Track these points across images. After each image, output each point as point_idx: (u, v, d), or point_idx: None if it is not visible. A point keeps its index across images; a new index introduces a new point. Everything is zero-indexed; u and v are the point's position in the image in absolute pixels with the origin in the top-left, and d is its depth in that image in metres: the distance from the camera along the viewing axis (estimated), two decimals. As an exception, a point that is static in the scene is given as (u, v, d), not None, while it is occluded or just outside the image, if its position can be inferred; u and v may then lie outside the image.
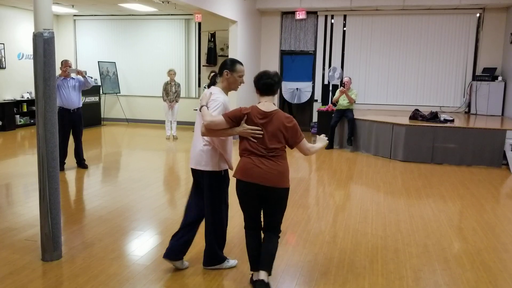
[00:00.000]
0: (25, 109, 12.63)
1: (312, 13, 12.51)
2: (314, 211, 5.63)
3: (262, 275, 3.41)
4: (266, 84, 3.43)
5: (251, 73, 11.86)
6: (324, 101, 12.07)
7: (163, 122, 11.90)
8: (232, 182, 3.66)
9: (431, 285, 3.75)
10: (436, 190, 6.81)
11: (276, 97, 13.05)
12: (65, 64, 7.42)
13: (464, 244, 4.67)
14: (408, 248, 4.52)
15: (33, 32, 3.83)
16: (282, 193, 3.40)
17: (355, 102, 10.18)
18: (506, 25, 11.32)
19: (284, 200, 3.45)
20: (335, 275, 3.88)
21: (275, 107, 3.45)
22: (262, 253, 3.47)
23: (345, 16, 12.41)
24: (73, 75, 7.50)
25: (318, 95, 12.71)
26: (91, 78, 8.08)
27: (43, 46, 3.81)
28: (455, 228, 5.17)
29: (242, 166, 3.41)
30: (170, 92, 11.02)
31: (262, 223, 3.59)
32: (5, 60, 12.32)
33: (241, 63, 3.75)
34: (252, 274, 3.62)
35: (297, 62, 12.90)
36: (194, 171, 3.79)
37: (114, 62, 13.96)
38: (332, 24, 12.54)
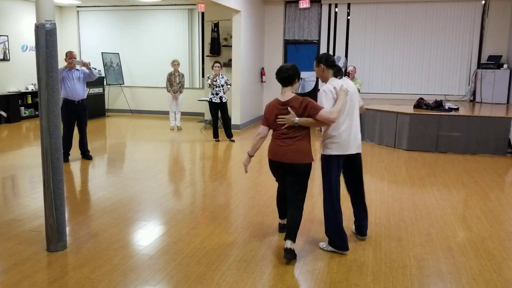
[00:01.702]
0: (29, 101, 12.67)
1: (315, 2, 12.43)
2: (319, 200, 5.64)
3: (288, 244, 3.94)
4: (282, 78, 4.04)
5: (255, 63, 11.88)
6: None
7: (167, 113, 11.90)
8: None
9: (434, 273, 3.75)
10: (440, 179, 6.80)
11: (281, 87, 12.99)
12: (69, 55, 7.42)
13: (468, 233, 4.67)
14: (411, 237, 4.53)
15: (35, 24, 3.84)
16: (301, 168, 3.96)
17: (359, 91, 10.12)
18: (511, 12, 11.20)
19: (305, 174, 4.00)
20: (338, 264, 3.90)
21: (292, 95, 4.00)
22: (286, 226, 4.08)
23: (349, 5, 12.32)
24: (77, 66, 7.51)
25: (321, 85, 12.62)
26: (95, 69, 8.07)
27: (45, 37, 3.81)
28: (459, 216, 5.16)
29: (270, 148, 4.11)
30: (174, 83, 11.01)
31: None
32: (9, 52, 12.34)
33: (318, 59, 4.22)
34: (279, 222, 4.58)
35: (301, 51, 12.85)
36: None
37: (118, 53, 13.94)
38: (336, 12, 12.46)
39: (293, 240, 3.95)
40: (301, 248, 4.21)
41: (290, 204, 4.06)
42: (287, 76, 4.01)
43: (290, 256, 3.89)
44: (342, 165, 4.19)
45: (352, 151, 4.17)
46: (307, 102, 3.93)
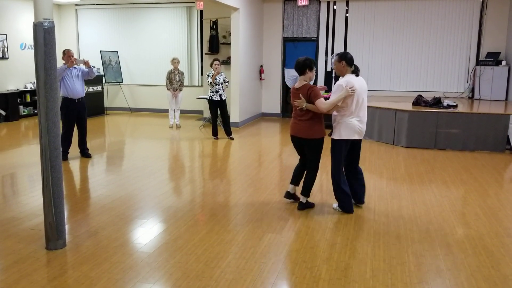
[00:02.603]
0: (28, 99, 12.66)
1: (314, 0, 12.44)
2: (318, 197, 5.64)
3: (302, 198, 5.21)
4: (296, 69, 5.00)
5: (254, 61, 11.91)
6: (327, 87, 12.03)
7: (166, 110, 11.90)
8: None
9: (433, 270, 3.76)
10: (439, 176, 6.81)
11: (280, 84, 13.05)
12: (67, 53, 7.40)
13: (466, 229, 4.68)
14: (410, 233, 4.54)
15: (33, 22, 3.83)
16: (312, 142, 5.01)
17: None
18: (510, 9, 11.20)
19: (316, 147, 5.04)
20: (337, 261, 3.90)
21: (304, 83, 4.96)
22: (303, 185, 5.20)
23: (347, 2, 12.31)
24: (77, 64, 7.50)
25: (321, 82, 12.66)
26: (94, 67, 8.07)
27: (44, 35, 3.81)
28: (458, 213, 5.17)
29: (290, 125, 5.18)
30: (174, 81, 11.00)
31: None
32: (8, 51, 12.33)
33: (340, 56, 4.97)
34: (287, 191, 5.37)
35: (300, 48, 12.84)
36: None
37: (117, 51, 13.93)
38: (334, 10, 12.45)
39: (307, 196, 5.18)
40: (299, 245, 4.22)
41: (307, 168, 5.19)
42: (299, 67, 4.96)
43: (301, 208, 5.15)
44: (348, 147, 5.08)
45: (356, 137, 5.01)
46: (311, 91, 4.86)
